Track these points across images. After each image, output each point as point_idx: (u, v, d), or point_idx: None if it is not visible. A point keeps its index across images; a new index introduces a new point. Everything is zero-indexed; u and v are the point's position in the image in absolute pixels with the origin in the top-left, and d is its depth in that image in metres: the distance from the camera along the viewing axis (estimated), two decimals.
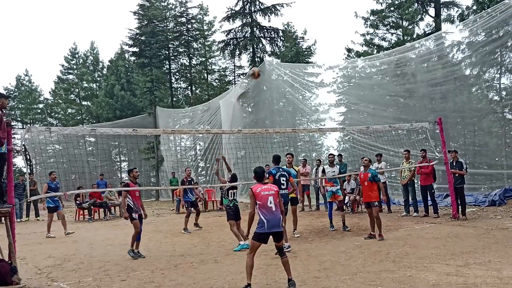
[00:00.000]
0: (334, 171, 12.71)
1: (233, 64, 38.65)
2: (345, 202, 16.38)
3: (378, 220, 10.43)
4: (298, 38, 36.65)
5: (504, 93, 19.36)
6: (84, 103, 50.62)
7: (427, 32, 25.98)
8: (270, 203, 6.67)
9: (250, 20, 31.18)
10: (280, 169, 9.71)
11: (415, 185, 14.89)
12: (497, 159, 20.08)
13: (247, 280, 6.52)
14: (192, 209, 14.11)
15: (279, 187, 7.84)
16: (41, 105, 51.50)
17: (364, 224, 12.76)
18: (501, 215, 13.44)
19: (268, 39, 31.93)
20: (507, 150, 18.99)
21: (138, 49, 36.67)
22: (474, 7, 22.05)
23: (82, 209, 19.23)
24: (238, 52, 32.47)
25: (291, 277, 6.57)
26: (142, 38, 36.24)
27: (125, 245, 11.49)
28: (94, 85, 51.30)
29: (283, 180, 9.52)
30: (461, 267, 7.22)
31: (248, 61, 32.43)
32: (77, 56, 51.21)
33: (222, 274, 7.65)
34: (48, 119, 48.76)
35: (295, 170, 10.99)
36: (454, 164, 13.38)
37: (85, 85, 51.00)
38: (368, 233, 10.76)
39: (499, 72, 19.35)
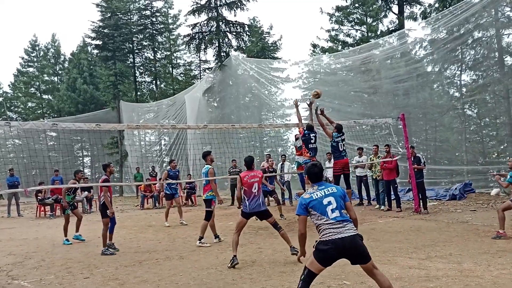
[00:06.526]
0: (300, 143, 12.60)
1: (198, 59, 38.35)
2: None
3: None
4: (264, 33, 36.74)
5: (464, 89, 19.87)
6: (45, 96, 49.11)
7: (390, 29, 26.41)
8: (255, 188, 7.80)
9: (216, 14, 30.92)
10: None
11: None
12: (457, 154, 20.63)
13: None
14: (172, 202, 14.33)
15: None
16: None
17: None
18: (461, 209, 13.78)
19: (234, 33, 31.74)
20: (467, 145, 19.52)
21: (101, 42, 35.84)
22: (436, 5, 22.50)
23: (43, 205, 18.73)
24: (204, 47, 32.17)
25: (292, 244, 7.66)
26: (105, 30, 35.44)
27: (89, 241, 11.30)
28: (56, 78, 49.88)
29: None
30: (423, 260, 7.35)
31: (213, 55, 32.13)
32: (37, 48, 49.61)
33: (187, 270, 7.55)
34: (7, 113, 47.18)
35: None
36: (412, 159, 13.64)
37: (46, 78, 49.48)
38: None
39: (459, 69, 19.85)
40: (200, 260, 8.39)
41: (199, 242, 9.80)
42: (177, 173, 14.82)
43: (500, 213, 8.99)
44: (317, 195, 4.79)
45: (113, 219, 9.94)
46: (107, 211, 9.60)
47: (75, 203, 11.98)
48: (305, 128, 11.31)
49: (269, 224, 8.13)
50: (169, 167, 14.90)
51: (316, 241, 4.73)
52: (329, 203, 4.70)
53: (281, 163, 17.58)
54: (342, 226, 4.62)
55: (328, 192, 4.80)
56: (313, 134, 11.29)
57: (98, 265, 8.40)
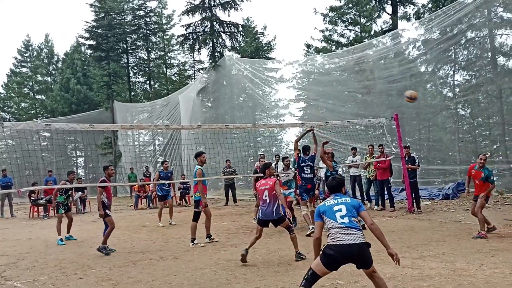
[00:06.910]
0: (288, 176, 12.53)
1: (192, 59, 38.30)
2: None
3: None
4: (258, 33, 36.72)
5: (457, 89, 19.95)
6: (38, 97, 48.84)
7: (384, 29, 26.47)
8: (265, 196, 7.83)
9: (210, 14, 30.91)
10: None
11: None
12: (450, 153, 20.72)
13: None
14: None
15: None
16: None
17: None
18: (454, 208, 13.85)
19: (228, 34, 31.73)
20: (460, 145, 19.60)
21: (94, 42, 35.71)
22: (430, 5, 22.56)
23: (37, 206, 18.67)
24: (198, 47, 32.16)
25: (298, 250, 7.76)
26: (99, 31, 35.31)
27: (82, 242, 11.26)
28: (49, 78, 49.63)
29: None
30: (417, 259, 7.37)
31: (207, 55, 32.17)
32: (30, 48, 49.33)
33: (181, 271, 7.55)
34: (0, 113, 46.94)
35: None
36: (407, 159, 13.70)
37: (39, 78, 49.21)
38: None
39: (452, 69, 19.92)
40: (194, 260, 8.38)
41: (192, 244, 9.78)
42: (169, 174, 14.75)
43: (479, 215, 9.11)
44: (330, 202, 5.09)
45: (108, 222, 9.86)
46: (105, 211, 9.55)
47: (69, 204, 11.92)
48: (300, 154, 10.87)
49: None
50: (161, 168, 14.87)
51: (324, 244, 4.87)
52: (339, 210, 4.94)
53: (275, 163, 17.57)
54: (350, 232, 4.78)
55: (341, 201, 5.05)
56: (308, 164, 10.80)
57: (92, 265, 8.38)
